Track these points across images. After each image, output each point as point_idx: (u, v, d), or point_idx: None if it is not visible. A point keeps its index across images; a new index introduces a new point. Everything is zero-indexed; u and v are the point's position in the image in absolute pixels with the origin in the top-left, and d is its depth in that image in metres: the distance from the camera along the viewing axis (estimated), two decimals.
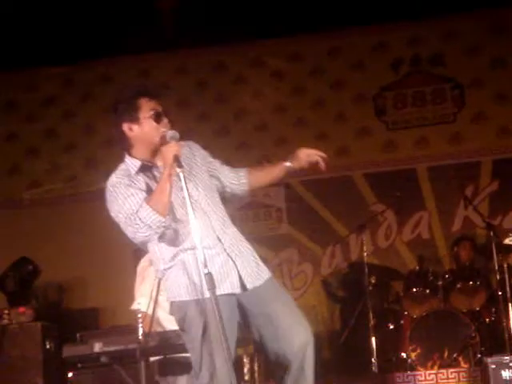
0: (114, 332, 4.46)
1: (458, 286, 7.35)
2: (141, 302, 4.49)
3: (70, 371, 4.77)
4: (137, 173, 3.61)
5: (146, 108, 3.62)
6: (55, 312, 8.18)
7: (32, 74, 9.22)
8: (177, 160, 3.47)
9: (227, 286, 3.55)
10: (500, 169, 8.49)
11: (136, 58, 9.05)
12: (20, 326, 6.70)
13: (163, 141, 3.56)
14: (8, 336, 6.61)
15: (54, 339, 6.69)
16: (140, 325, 4.14)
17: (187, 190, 3.46)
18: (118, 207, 3.53)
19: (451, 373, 6.77)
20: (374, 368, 7.07)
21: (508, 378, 5.45)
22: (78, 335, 4.35)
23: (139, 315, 4.20)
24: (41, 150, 9.18)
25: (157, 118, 3.62)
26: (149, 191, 3.55)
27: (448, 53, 8.87)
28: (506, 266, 6.98)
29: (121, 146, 3.69)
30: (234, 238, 3.66)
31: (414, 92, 8.92)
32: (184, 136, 3.64)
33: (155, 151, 3.62)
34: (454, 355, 6.97)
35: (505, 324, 6.87)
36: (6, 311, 6.87)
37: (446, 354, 7.01)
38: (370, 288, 7.34)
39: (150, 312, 4.37)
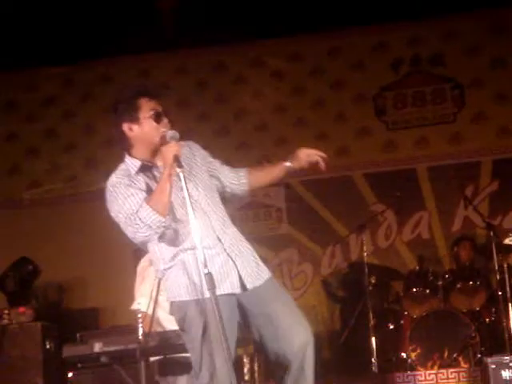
0: (114, 332, 4.46)
1: (458, 286, 7.35)
2: (141, 302, 4.48)
3: (70, 371, 4.76)
4: (137, 173, 3.61)
5: (146, 108, 3.62)
6: (55, 312, 8.18)
7: (32, 74, 9.21)
8: (177, 160, 3.47)
9: (227, 285, 3.55)
10: (500, 169, 8.49)
11: (136, 58, 9.04)
12: (20, 326, 6.70)
13: (163, 141, 3.56)
14: (8, 336, 6.61)
15: (53, 339, 6.69)
16: (140, 325, 4.14)
17: (187, 189, 3.46)
18: (118, 207, 3.53)
19: (451, 373, 6.77)
20: (374, 368, 7.07)
21: (508, 377, 5.45)
22: (78, 335, 4.35)
23: (139, 315, 4.20)
24: (41, 150, 9.18)
25: (157, 118, 3.61)
26: (149, 191, 3.55)
27: (448, 53, 8.87)
28: (506, 266, 6.98)
29: (121, 146, 3.69)
30: (234, 237, 3.66)
31: (414, 92, 8.91)
32: (184, 136, 3.64)
33: (155, 151, 3.62)
34: (454, 355, 6.97)
35: (505, 324, 6.86)
36: (6, 311, 6.87)
37: (446, 354, 7.00)
38: (370, 288, 7.34)
39: (150, 312, 4.37)
